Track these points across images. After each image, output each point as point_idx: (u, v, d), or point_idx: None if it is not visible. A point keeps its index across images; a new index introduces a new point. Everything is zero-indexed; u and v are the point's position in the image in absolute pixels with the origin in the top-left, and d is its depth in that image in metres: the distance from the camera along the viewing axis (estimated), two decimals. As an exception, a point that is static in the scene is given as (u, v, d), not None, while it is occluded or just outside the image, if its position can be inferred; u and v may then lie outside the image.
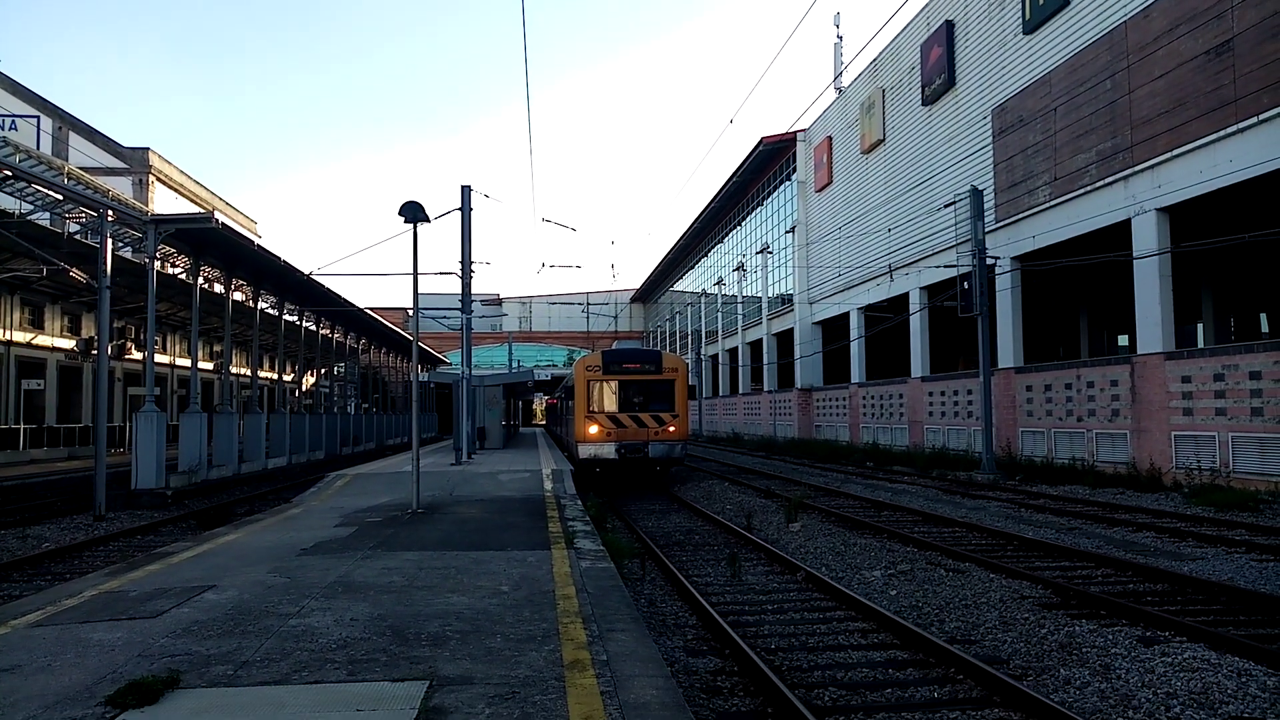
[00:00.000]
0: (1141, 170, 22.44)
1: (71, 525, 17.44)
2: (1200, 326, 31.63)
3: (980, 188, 27.08)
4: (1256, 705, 6.36)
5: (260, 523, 13.60)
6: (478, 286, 27.79)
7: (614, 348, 26.03)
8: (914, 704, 6.65)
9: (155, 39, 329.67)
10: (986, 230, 26.67)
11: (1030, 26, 27.20)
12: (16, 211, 22.16)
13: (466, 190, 25.74)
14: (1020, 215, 27.73)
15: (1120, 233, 23.52)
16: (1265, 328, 33.47)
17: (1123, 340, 37.51)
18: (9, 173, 19.06)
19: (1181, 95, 21.14)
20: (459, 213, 25.67)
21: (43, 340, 34.86)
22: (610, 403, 23.75)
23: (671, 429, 23.48)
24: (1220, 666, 7.13)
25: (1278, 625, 8.67)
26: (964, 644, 8.22)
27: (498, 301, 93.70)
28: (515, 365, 71.96)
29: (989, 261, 26.15)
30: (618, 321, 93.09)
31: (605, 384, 23.86)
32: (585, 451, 23.38)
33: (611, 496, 21.47)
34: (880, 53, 38.77)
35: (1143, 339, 22.69)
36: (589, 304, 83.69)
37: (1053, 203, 26.08)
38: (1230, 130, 19.64)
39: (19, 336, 33.39)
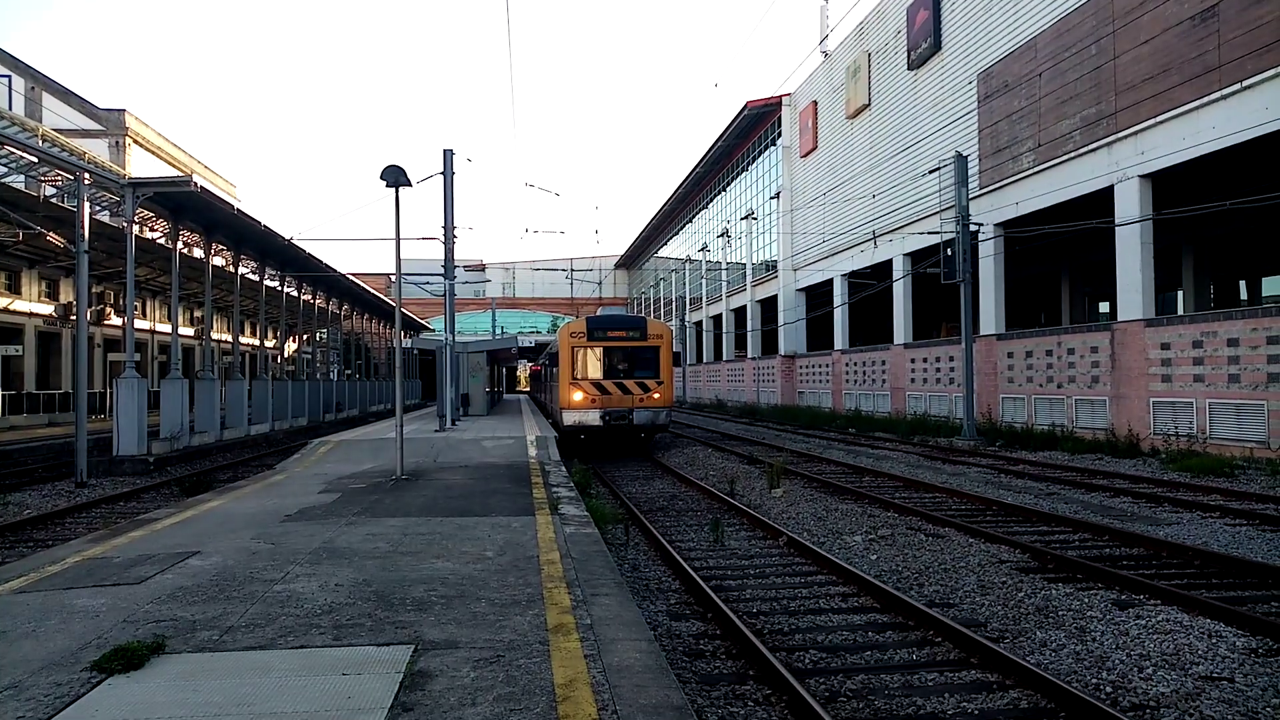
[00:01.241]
0: (1125, 137, 22.47)
1: (53, 492, 17.37)
2: (1180, 293, 31.86)
3: (965, 154, 27.04)
4: (1226, 666, 6.50)
5: (243, 489, 13.59)
6: (461, 252, 27.68)
7: (599, 314, 25.83)
8: (893, 666, 6.75)
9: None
10: (970, 196, 26.68)
11: (1017, -9, 27.04)
12: (-10, 175, 21.83)
13: (449, 154, 25.48)
14: (1004, 181, 27.75)
15: (1103, 199, 23.59)
16: (1244, 295, 33.76)
17: (1103, 307, 37.79)
18: (-18, 135, 18.73)
19: (1166, 61, 21.12)
20: (441, 177, 25.44)
21: (20, 306, 34.48)
22: (595, 369, 23.66)
23: (656, 396, 23.43)
24: (1192, 628, 7.28)
25: (1248, 588, 8.84)
26: (943, 607, 8.34)
27: (481, 267, 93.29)
28: (499, 331, 71.80)
29: (972, 228, 26.19)
30: (602, 288, 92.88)
31: (590, 350, 23.74)
32: (570, 419, 23.27)
33: (596, 463, 21.51)
34: (866, 16, 38.48)
35: (1123, 306, 22.85)
36: (573, 270, 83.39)
37: (1036, 169, 26.10)
38: (1214, 96, 19.66)
39: (-4, 302, 33.01)
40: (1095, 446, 22.00)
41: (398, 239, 15.00)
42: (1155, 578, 9.13)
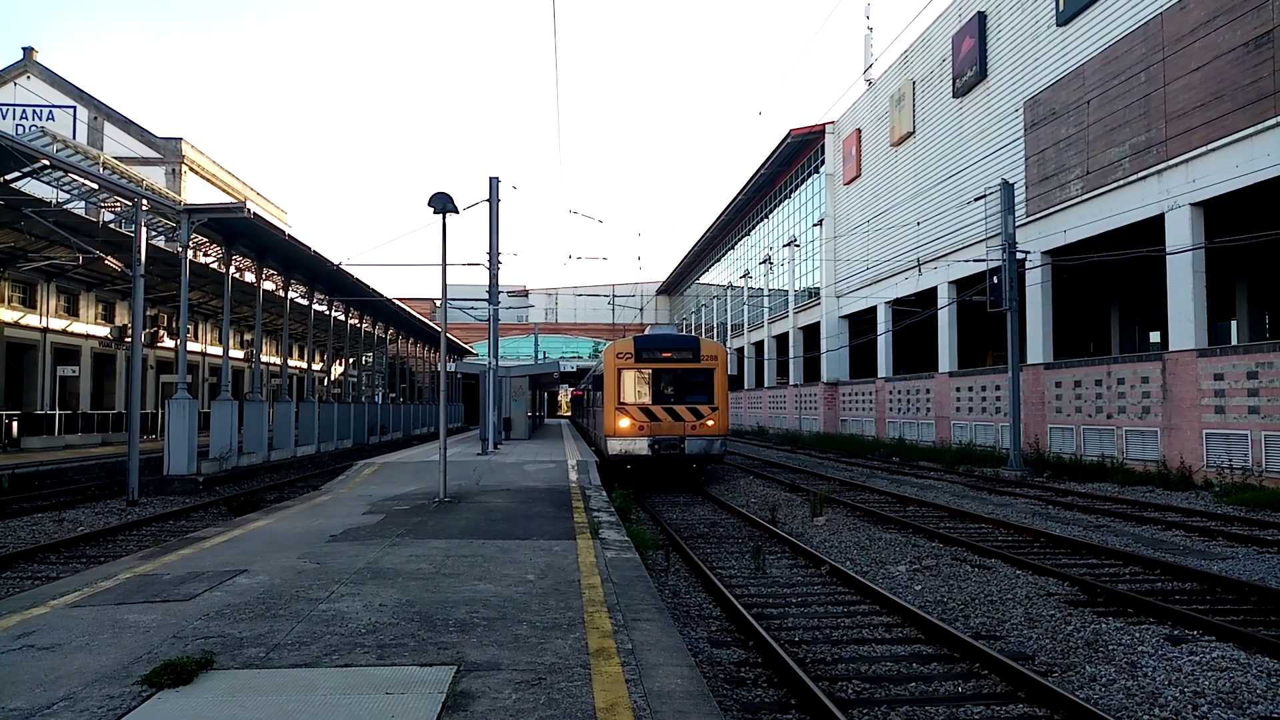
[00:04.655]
0: (1176, 164, 22.14)
1: (105, 509, 17.76)
2: (1234, 323, 31.19)
3: (1011, 181, 26.81)
4: (1286, 705, 6.31)
5: (290, 509, 13.78)
6: (505, 277, 27.87)
7: (647, 333, 23.82)
8: (938, 698, 6.65)
9: (185, 28, 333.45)
10: (1017, 224, 26.42)
11: (1064, 18, 26.88)
12: (54, 200, 22.54)
13: (494, 182, 25.81)
14: (1051, 209, 27.45)
15: (1153, 227, 23.23)
16: (1301, 325, 32.96)
17: (1154, 337, 37.07)
18: (47, 162, 19.37)
19: (1218, 88, 20.82)
20: (487, 204, 25.76)
21: (78, 328, 35.40)
22: (643, 394, 21.94)
23: (710, 423, 21.61)
24: (1250, 666, 7.07)
25: (1309, 626, 8.57)
26: (989, 639, 8.20)
27: (524, 293, 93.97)
28: (541, 356, 72.20)
29: (1019, 256, 25.91)
30: (643, 314, 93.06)
31: (637, 373, 21.99)
32: (615, 447, 21.67)
33: (636, 488, 21.27)
34: (911, 44, 38.47)
35: (1175, 335, 22.42)
36: (615, 296, 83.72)
37: (1084, 197, 25.79)
38: (1269, 123, 19.31)
39: (55, 324, 33.93)
40: (1146, 479, 21.54)
41: (444, 265, 15.20)
42: (1210, 613, 8.90)
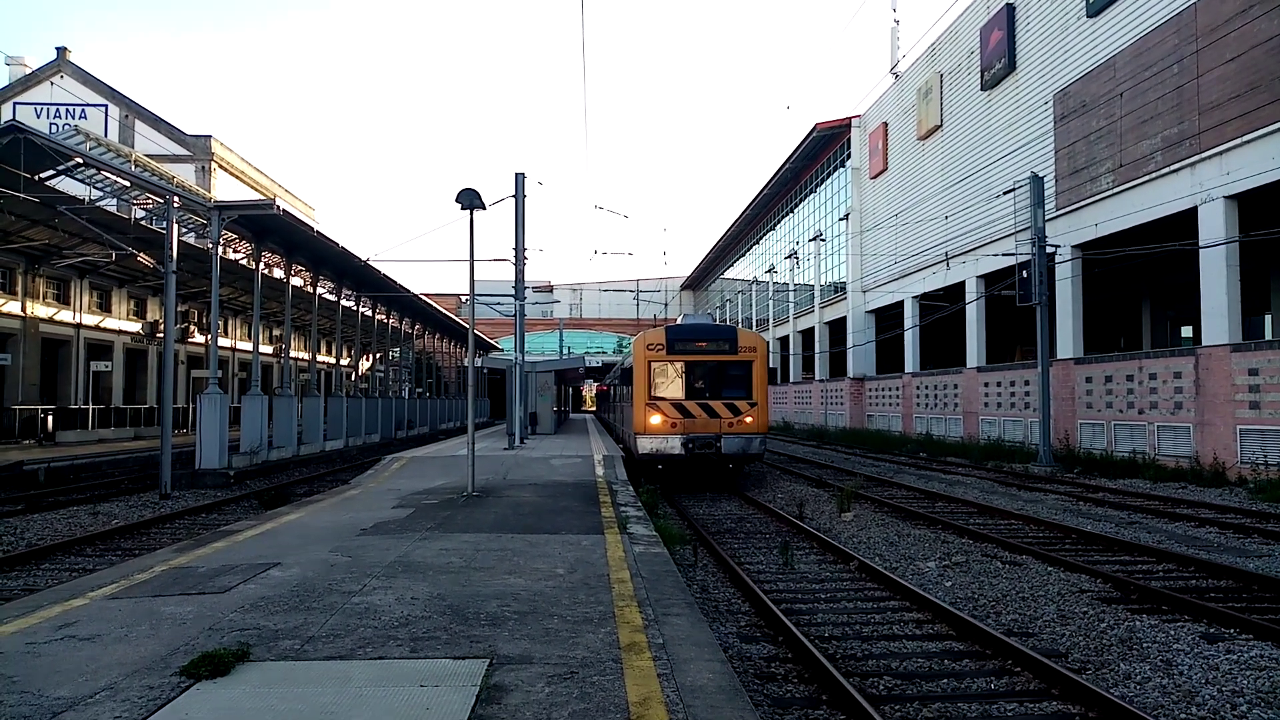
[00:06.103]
0: (1209, 157, 21.83)
1: (139, 503, 18.02)
2: (1268, 318, 30.71)
3: (1040, 174, 26.54)
4: (1326, 705, 6.21)
5: (320, 503, 13.90)
6: (530, 273, 27.96)
7: (681, 322, 22.42)
8: (970, 695, 6.60)
9: (215, 27, 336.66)
10: (1047, 218, 26.15)
11: (1094, 9, 26.55)
12: (87, 198, 22.82)
13: (520, 178, 25.87)
14: (1082, 203, 27.14)
15: (1186, 221, 22.92)
16: (1338, 319, 32.37)
17: (1186, 332, 36.57)
18: (80, 160, 19.63)
19: (1254, 79, 20.49)
20: (513, 200, 25.83)
21: (110, 323, 35.90)
22: (676, 388, 20.34)
23: (748, 420, 20.00)
24: (1288, 665, 6.97)
25: (1349, 625, 8.43)
26: (1021, 636, 8.13)
27: (549, 288, 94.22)
28: (566, 351, 72.35)
29: (1049, 250, 25.65)
30: (668, 309, 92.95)
31: (670, 365, 20.39)
32: (646, 446, 20.11)
33: (664, 485, 20.85)
34: (938, 37, 38.13)
35: (1208, 330, 22.12)
36: (639, 291, 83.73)
37: (1115, 190, 25.48)
38: (1305, 115, 19.01)
39: (88, 319, 34.42)
40: (1178, 475, 21.29)
41: (471, 260, 15.26)
42: (1247, 611, 8.78)
